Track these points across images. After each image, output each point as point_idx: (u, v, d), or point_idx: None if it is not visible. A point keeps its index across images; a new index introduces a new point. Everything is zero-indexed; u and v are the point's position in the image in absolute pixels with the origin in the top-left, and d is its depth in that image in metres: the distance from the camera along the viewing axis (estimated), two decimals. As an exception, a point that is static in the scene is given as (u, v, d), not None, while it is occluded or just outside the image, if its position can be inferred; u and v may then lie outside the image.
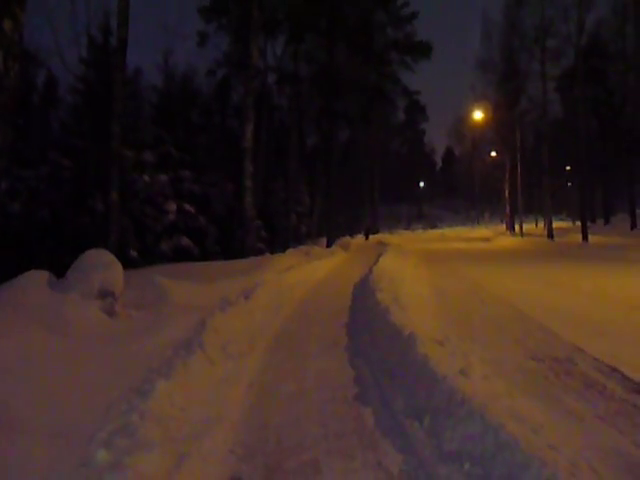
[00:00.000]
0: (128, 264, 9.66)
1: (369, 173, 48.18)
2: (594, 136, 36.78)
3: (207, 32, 28.12)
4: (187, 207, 20.16)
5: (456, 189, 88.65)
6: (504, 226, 48.11)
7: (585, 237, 26.05)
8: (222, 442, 3.50)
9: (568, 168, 47.52)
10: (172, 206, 19.35)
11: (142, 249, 17.29)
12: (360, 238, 35.96)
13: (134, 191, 17.41)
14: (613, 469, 2.93)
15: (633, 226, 32.69)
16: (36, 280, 6.32)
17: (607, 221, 39.38)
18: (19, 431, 3.24)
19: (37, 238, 14.71)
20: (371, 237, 37.53)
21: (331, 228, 28.80)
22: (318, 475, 3.09)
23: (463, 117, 56.29)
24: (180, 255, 18.29)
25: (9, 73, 6.56)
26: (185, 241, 19.44)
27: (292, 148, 28.98)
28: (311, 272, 13.53)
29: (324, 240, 27.41)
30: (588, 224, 27.58)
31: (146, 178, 18.35)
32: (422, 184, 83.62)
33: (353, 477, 3.06)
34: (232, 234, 21.02)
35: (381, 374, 4.87)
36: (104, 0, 17.41)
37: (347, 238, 30.77)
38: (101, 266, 6.60)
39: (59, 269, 7.10)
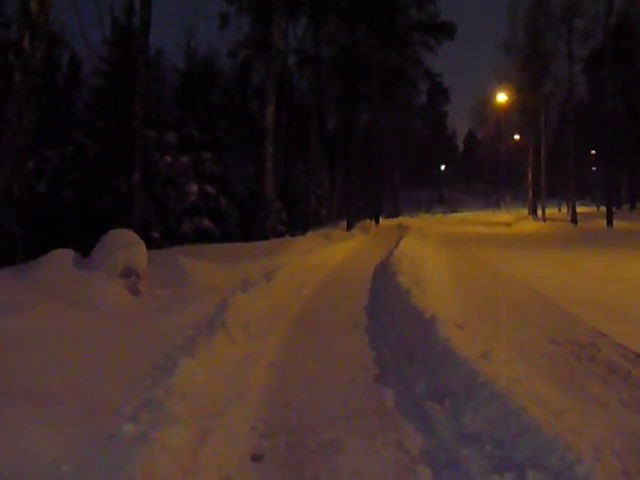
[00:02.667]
0: (150, 245, 9.76)
1: (390, 156, 47.80)
2: (621, 119, 35.93)
3: (228, 13, 27.97)
4: (208, 188, 20.27)
5: (478, 173, 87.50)
6: (526, 210, 47.47)
7: (610, 222, 25.60)
8: (244, 419, 3.55)
9: (593, 152, 46.59)
10: (193, 187, 19.47)
11: (163, 230, 17.48)
12: (380, 221, 35.59)
13: (156, 172, 17.54)
14: (636, 455, 2.91)
15: (660, 212, 32.06)
16: (62, 259, 6.44)
17: (633, 206, 38.62)
18: (45, 403, 3.32)
19: (62, 217, 14.94)
20: (391, 221, 37.26)
21: (351, 211, 28.73)
22: (339, 453, 3.12)
23: (486, 100, 55.16)
24: (201, 236, 18.44)
25: (35, 54, 6.63)
26: (206, 222, 19.59)
27: (313, 130, 28.80)
28: (331, 255, 13.55)
29: (344, 223, 27.37)
30: (613, 209, 27.08)
31: (168, 159, 18.47)
32: (443, 167, 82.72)
33: (374, 456, 3.08)
34: (252, 216, 21.08)
35: (402, 356, 4.88)
36: (128, -19, 17.36)
37: (367, 221, 30.65)
38: (125, 245, 6.69)
39: (83, 248, 7.22)
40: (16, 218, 7.15)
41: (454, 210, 69.80)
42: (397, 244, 14.67)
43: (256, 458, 3.08)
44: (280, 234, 18.62)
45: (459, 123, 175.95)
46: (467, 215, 56.73)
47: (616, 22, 30.33)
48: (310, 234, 18.86)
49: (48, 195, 15.71)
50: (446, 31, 32.41)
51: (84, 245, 7.67)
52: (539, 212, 38.39)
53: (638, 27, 34.82)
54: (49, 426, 3.04)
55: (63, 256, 6.52)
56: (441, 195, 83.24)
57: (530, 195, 43.53)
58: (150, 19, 11.46)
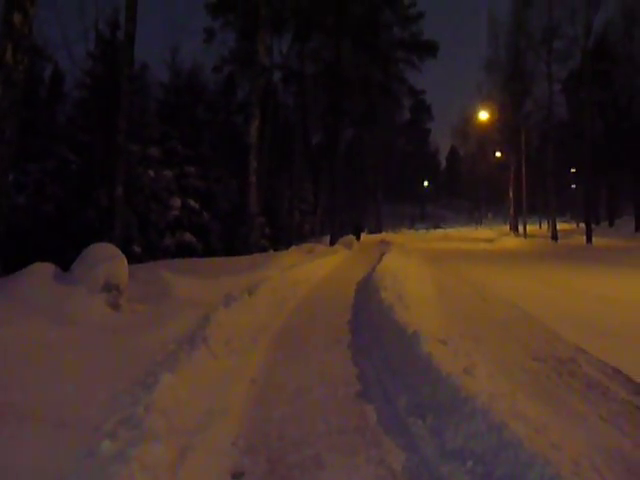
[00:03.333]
0: (132, 259, 9.68)
1: (373, 172, 48.15)
2: (599, 138, 36.66)
3: (214, 28, 28.16)
4: (191, 203, 20.22)
5: (460, 189, 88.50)
6: (508, 227, 48.05)
7: (589, 239, 26.03)
8: (225, 435, 3.52)
9: (573, 170, 47.41)
10: (176, 202, 19.41)
11: (146, 244, 17.35)
12: (363, 237, 35.58)
13: (139, 186, 17.44)
14: (615, 469, 2.93)
15: (638, 228, 32.64)
16: (41, 273, 6.35)
17: (611, 223, 39.31)
18: (22, 420, 3.26)
19: (42, 231, 14.76)
20: (374, 237, 37.34)
21: (335, 226, 28.81)
22: (321, 470, 3.10)
23: (468, 117, 56.08)
24: (183, 251, 18.34)
25: (18, 67, 6.59)
26: (188, 237, 19.50)
27: (297, 146, 28.99)
28: (314, 270, 13.54)
29: (327, 238, 27.43)
30: (592, 226, 27.54)
31: (151, 173, 18.40)
32: (426, 184, 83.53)
33: (356, 473, 3.06)
34: (236, 231, 21.04)
35: (384, 372, 4.88)
36: (112, -5, 17.45)
37: (350, 236, 30.74)
38: (106, 260, 6.62)
39: (64, 262, 7.14)
40: (-5, 231, 7.04)
41: (437, 226, 70.39)
42: (380, 260, 14.72)
43: (236, 476, 3.04)
44: (263, 249, 18.61)
45: (442, 140, 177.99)
46: (449, 231, 57.21)
47: (594, 44, 31.13)
48: (293, 249, 18.86)
49: (28, 209, 15.53)
50: (429, 49, 32.92)
51: (65, 259, 7.58)
52: (520, 228, 38.87)
53: (616, 49, 35.72)
54: (26, 443, 2.99)
55: (43, 270, 6.44)
56: (424, 211, 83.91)
57: (511, 212, 44.11)
58: (135, 33, 11.47)
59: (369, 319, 7.16)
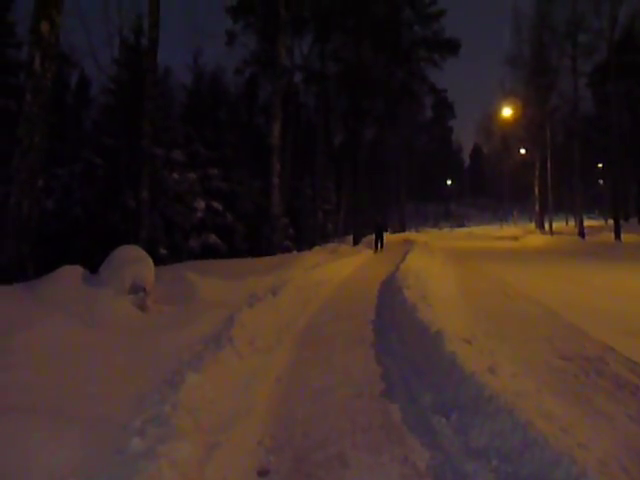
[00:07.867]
0: (157, 261, 9.82)
1: (396, 171, 47.95)
2: (627, 132, 35.89)
3: (235, 31, 28.34)
4: (215, 205, 20.38)
5: (484, 187, 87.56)
6: (533, 224, 47.31)
7: (618, 236, 25.49)
8: (251, 434, 3.56)
9: (600, 165, 46.51)
10: (200, 204, 19.58)
11: (171, 246, 17.55)
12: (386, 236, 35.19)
13: (164, 189, 17.66)
14: (644, 469, 2.89)
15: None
16: (70, 275, 6.49)
17: (641, 219, 38.42)
18: (53, 420, 3.34)
19: (70, 234, 15.06)
20: (397, 236, 37.12)
21: (358, 226, 28.77)
22: (345, 468, 3.12)
23: (492, 114, 55.28)
24: (208, 252, 18.50)
25: (46, 74, 6.76)
26: (213, 238, 19.66)
27: (319, 146, 29.02)
28: (338, 270, 13.55)
29: (351, 238, 27.40)
30: (621, 222, 26.98)
31: (175, 176, 18.60)
32: (450, 182, 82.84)
33: (380, 471, 3.08)
34: (259, 232, 21.16)
35: (408, 371, 4.88)
36: (136, 1, 17.71)
37: (374, 236, 30.63)
38: (133, 262, 6.73)
39: (92, 265, 7.28)
40: (26, 235, 7.22)
41: (461, 224, 69.71)
42: (403, 259, 14.66)
43: (262, 473, 3.09)
44: (287, 249, 18.68)
45: (465, 138, 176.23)
46: (474, 229, 56.62)
47: (620, 36, 30.48)
48: (317, 249, 18.90)
49: (57, 212, 15.85)
50: (451, 47, 32.61)
51: (92, 262, 7.74)
52: (546, 226, 38.25)
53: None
54: (57, 440, 3.06)
55: (72, 273, 6.57)
56: (447, 210, 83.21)
57: (537, 209, 43.42)
58: (158, 38, 11.64)
59: (393, 318, 7.15)
